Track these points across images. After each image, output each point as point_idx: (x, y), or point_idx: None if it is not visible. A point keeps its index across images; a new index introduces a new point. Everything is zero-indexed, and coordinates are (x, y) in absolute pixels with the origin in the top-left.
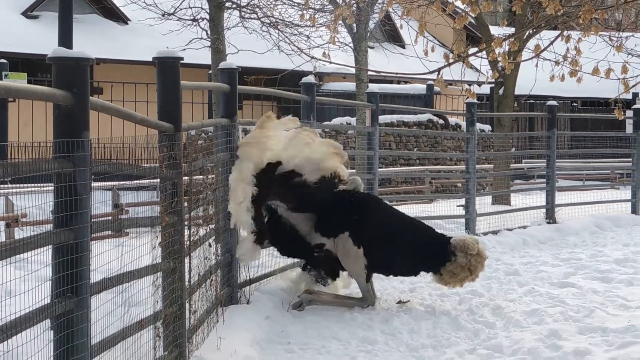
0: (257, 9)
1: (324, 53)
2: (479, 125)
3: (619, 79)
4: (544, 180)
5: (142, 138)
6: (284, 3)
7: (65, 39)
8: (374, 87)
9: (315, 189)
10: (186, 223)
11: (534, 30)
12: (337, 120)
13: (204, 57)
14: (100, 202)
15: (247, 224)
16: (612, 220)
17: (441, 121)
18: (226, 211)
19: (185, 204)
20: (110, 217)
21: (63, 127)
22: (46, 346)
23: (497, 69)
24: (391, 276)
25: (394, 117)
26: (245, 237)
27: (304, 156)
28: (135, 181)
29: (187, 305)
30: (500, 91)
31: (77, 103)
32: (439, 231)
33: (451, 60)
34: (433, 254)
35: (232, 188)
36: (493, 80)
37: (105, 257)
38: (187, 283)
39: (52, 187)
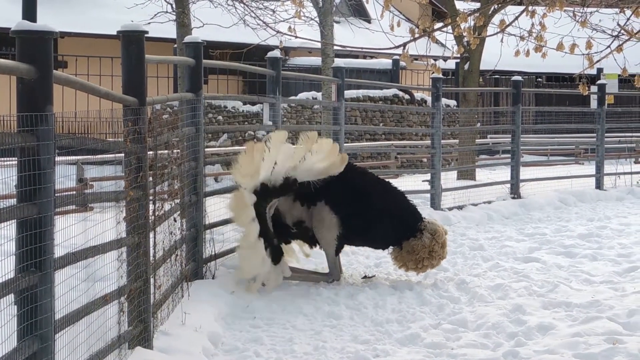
0: None
1: (290, 27)
2: (444, 101)
3: (583, 54)
4: (509, 155)
5: (107, 112)
6: None
7: (29, 12)
8: (339, 62)
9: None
10: (151, 198)
11: (499, 5)
12: (303, 95)
13: (169, 30)
14: (64, 176)
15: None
16: (577, 196)
17: (407, 96)
18: (192, 186)
19: (150, 178)
20: (74, 192)
21: (27, 101)
22: (10, 321)
23: (462, 44)
24: (363, 247)
25: (360, 92)
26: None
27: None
28: (100, 155)
29: (151, 280)
30: (466, 66)
31: (41, 77)
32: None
33: (417, 35)
34: (404, 223)
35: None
36: (458, 55)
37: (69, 231)
38: (151, 258)
39: (16, 161)
